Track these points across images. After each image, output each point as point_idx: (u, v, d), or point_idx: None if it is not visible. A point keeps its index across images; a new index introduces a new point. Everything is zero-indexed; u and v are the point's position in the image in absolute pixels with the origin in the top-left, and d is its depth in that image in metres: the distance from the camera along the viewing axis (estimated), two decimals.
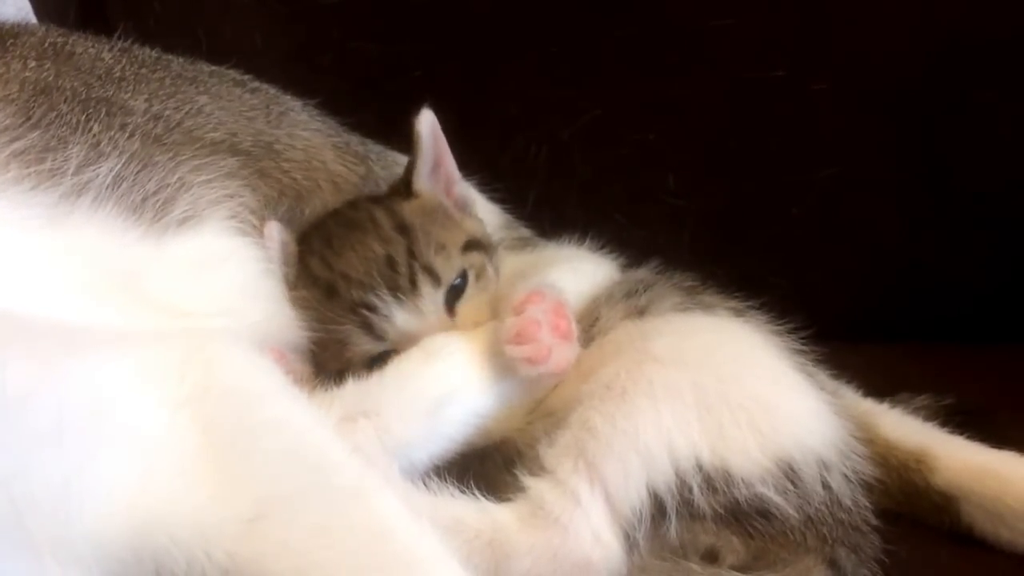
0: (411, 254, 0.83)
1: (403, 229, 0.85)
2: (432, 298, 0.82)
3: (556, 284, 0.81)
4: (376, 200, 0.91)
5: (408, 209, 0.88)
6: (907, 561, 0.74)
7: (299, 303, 0.85)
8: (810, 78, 1.14)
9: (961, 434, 0.88)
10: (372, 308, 0.81)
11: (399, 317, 0.81)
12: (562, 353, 0.75)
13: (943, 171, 1.16)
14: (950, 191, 1.16)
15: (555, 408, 0.77)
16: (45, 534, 0.54)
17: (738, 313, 0.83)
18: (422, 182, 0.89)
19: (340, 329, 0.82)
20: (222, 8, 1.23)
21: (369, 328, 0.81)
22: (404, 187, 0.90)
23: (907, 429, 0.89)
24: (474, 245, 0.88)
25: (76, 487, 0.56)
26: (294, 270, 0.86)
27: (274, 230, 0.86)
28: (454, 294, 0.84)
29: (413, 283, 0.82)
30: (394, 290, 0.81)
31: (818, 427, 0.75)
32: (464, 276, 0.84)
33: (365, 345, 0.82)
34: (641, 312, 0.81)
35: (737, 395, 0.73)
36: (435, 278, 0.83)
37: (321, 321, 0.83)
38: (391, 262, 0.83)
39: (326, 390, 0.74)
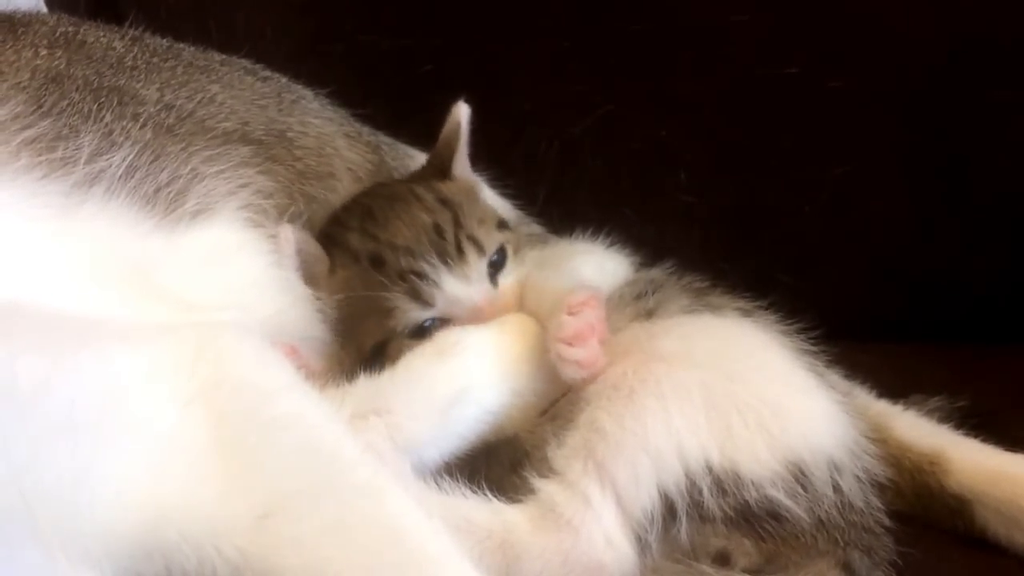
0: (457, 223, 0.85)
1: (445, 202, 0.87)
2: (478, 267, 0.84)
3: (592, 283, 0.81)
4: (410, 180, 0.94)
5: (446, 188, 0.90)
6: (921, 563, 0.74)
7: (336, 285, 0.85)
8: (824, 75, 1.13)
9: (975, 436, 0.88)
10: (421, 274, 0.82)
11: (448, 283, 0.82)
12: (602, 360, 0.75)
13: (957, 170, 1.15)
14: (964, 190, 1.15)
15: (562, 409, 0.77)
16: (55, 528, 0.54)
17: (746, 314, 0.82)
18: (460, 168, 0.92)
19: (388, 297, 0.82)
20: None
21: (417, 295, 0.82)
22: (440, 172, 0.92)
23: (921, 431, 0.89)
24: (504, 225, 0.90)
25: (87, 481, 0.56)
26: (321, 264, 0.86)
27: (289, 232, 0.84)
28: (495, 268, 0.86)
29: (460, 250, 0.84)
30: (443, 256, 0.83)
31: (828, 428, 0.74)
32: (503, 251, 0.86)
33: (412, 312, 0.82)
34: (649, 314, 0.80)
35: (746, 395, 0.72)
36: (479, 247, 0.85)
37: (366, 290, 0.83)
38: (439, 230, 0.84)
39: (337, 386, 0.74)
